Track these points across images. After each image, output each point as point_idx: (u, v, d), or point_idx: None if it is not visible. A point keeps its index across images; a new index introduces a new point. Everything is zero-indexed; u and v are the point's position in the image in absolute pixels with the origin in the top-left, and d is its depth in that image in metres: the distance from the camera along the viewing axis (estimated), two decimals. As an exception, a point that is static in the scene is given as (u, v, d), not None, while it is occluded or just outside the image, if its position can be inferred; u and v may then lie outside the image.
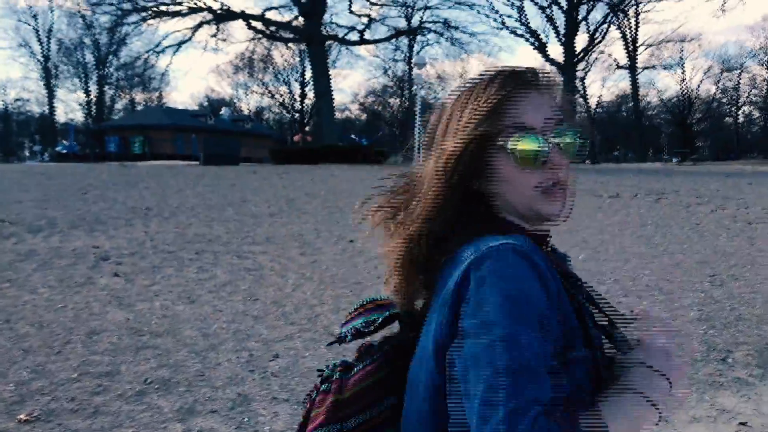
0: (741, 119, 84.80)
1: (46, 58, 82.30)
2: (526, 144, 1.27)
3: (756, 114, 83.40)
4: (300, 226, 13.96)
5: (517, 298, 1.15)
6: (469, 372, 1.14)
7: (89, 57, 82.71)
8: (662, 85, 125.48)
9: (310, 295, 8.31)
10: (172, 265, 9.81)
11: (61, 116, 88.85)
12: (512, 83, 1.30)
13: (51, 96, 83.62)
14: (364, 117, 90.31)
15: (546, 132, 1.29)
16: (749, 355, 6.45)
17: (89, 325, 6.78)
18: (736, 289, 9.09)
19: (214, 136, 55.08)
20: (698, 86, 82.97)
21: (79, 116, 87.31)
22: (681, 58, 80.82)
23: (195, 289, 8.46)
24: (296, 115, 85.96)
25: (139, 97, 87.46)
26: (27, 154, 78.76)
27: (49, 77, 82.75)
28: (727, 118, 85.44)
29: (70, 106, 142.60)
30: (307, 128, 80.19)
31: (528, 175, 1.29)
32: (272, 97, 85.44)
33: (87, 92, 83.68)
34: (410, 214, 1.35)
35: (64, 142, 71.66)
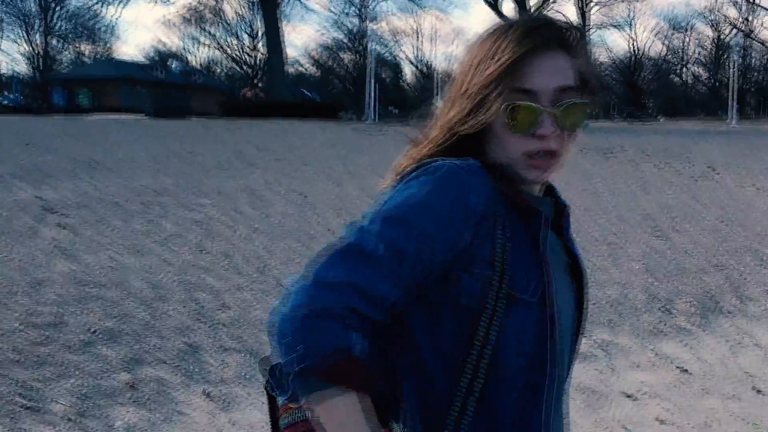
0: (688, 79, 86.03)
1: (-13, 7, 79.59)
2: (519, 111, 1.26)
3: (703, 74, 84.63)
4: (250, 179, 13.84)
5: (414, 205, 1.19)
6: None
7: (34, 7, 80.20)
8: (612, 45, 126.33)
9: (261, 248, 8.28)
10: (119, 217, 9.67)
11: (4, 68, 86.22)
12: (533, 40, 1.26)
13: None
14: (316, 72, 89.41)
15: (550, 100, 1.27)
16: (690, 304, 6.63)
17: (34, 277, 6.66)
18: (678, 242, 9.31)
19: (162, 89, 54.03)
20: (647, 46, 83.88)
21: (23, 68, 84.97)
22: (631, 18, 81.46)
23: (142, 241, 8.36)
24: (247, 69, 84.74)
25: (86, 48, 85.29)
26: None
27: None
28: (675, 78, 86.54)
29: (13, 57, 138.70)
30: (258, 83, 79.17)
31: (517, 140, 1.27)
32: (222, 50, 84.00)
33: (31, 43, 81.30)
34: (411, 156, 1.36)
35: (8, 94, 69.71)
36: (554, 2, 69.24)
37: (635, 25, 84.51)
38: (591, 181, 15.12)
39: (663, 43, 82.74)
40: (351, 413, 1.12)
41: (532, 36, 1.26)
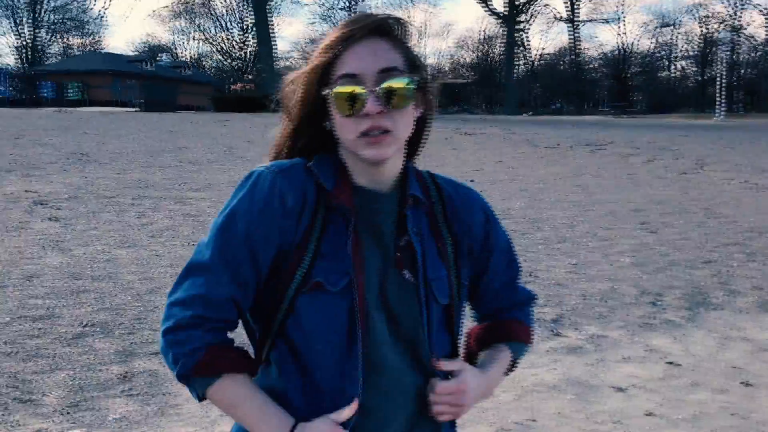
0: (676, 74, 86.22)
1: (-26, -2, 78.97)
2: (341, 93, 1.35)
3: (690, 68, 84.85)
4: (240, 173, 13.80)
5: (230, 213, 1.36)
6: None
7: (20, -2, 79.66)
8: (601, 39, 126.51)
9: (252, 241, 8.28)
10: (111, 211, 9.66)
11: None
12: (353, 32, 1.36)
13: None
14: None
15: (374, 81, 1.34)
16: (679, 298, 6.68)
17: (25, 269, 6.66)
18: (668, 236, 9.37)
19: (153, 82, 53.81)
20: (636, 40, 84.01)
21: (11, 61, 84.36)
22: (620, 13, 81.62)
23: (134, 234, 8.36)
24: (237, 62, 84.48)
25: (76, 41, 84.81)
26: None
27: (-23, 19, 79.48)
28: (662, 73, 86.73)
29: (1, 49, 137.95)
30: (248, 76, 78.91)
31: (351, 122, 1.35)
32: (212, 43, 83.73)
33: (20, 36, 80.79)
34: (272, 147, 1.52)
35: (-5, 86, 69.24)
36: (542, -4, 69.45)
37: (624, 19, 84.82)
38: (580, 176, 15.18)
39: (651, 39, 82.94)
40: (231, 391, 1.34)
41: (350, 26, 1.37)
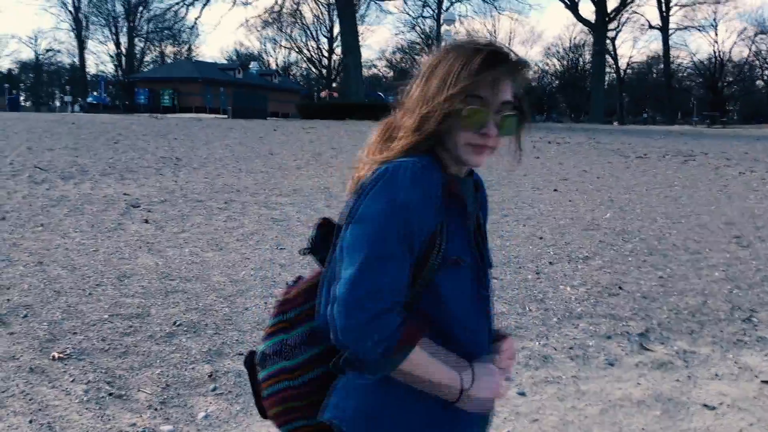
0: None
1: (77, 8, 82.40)
2: (474, 116, 1.63)
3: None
4: (326, 179, 14.01)
5: (396, 202, 1.55)
6: (344, 252, 1.57)
7: (119, 8, 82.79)
8: (694, 47, 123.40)
9: (336, 246, 8.36)
10: (201, 214, 9.92)
11: (91, 67, 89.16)
12: (493, 66, 1.63)
13: (81, 47, 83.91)
14: (391, 74, 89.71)
15: (496, 110, 1.65)
16: (774, 315, 6.44)
17: (120, 269, 6.91)
18: (762, 250, 9.05)
19: (242, 89, 55.00)
20: (731, 49, 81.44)
21: (109, 68, 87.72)
22: (714, 20, 79.35)
23: (223, 237, 8.56)
24: (323, 70, 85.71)
25: (169, 49, 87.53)
26: (58, 104, 79.25)
27: (79, 28, 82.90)
28: (759, 82, 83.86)
29: (100, 57, 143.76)
30: (334, 84, 79.92)
31: (467, 134, 1.65)
32: (300, 52, 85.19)
33: (117, 44, 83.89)
34: (389, 150, 1.71)
35: (95, 93, 71.97)
36: (632, 2, 68.16)
37: (718, 27, 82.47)
38: (671, 187, 14.82)
39: (748, 46, 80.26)
40: (425, 355, 1.58)
41: (494, 63, 1.63)
